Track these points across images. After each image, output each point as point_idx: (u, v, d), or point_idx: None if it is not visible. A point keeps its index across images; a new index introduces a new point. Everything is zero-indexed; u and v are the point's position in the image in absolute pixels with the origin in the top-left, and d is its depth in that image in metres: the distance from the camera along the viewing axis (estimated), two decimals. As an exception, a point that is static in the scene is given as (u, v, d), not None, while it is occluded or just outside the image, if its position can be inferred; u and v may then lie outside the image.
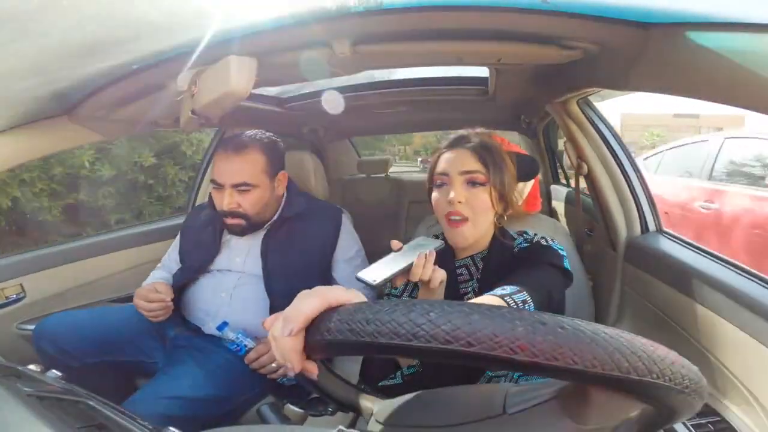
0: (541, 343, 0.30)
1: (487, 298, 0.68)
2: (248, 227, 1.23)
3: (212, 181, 1.21)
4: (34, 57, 0.71)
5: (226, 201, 1.18)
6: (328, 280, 1.30)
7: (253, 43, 0.83)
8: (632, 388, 0.32)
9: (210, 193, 1.28)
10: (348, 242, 1.32)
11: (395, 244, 0.76)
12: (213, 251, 1.28)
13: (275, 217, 1.27)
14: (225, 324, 1.14)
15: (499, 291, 0.69)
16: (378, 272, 0.70)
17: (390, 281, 0.70)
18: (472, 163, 0.86)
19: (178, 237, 1.42)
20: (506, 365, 0.31)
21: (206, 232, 1.31)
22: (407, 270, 0.72)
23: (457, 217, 0.85)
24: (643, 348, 0.32)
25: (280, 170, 1.27)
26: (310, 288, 0.44)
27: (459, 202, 0.84)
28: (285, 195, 1.31)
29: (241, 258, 1.26)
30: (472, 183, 0.85)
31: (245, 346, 1.13)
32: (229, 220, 1.21)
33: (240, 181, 1.17)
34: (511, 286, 0.70)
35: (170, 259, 1.40)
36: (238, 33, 0.79)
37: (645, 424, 0.40)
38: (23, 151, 1.05)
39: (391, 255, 0.75)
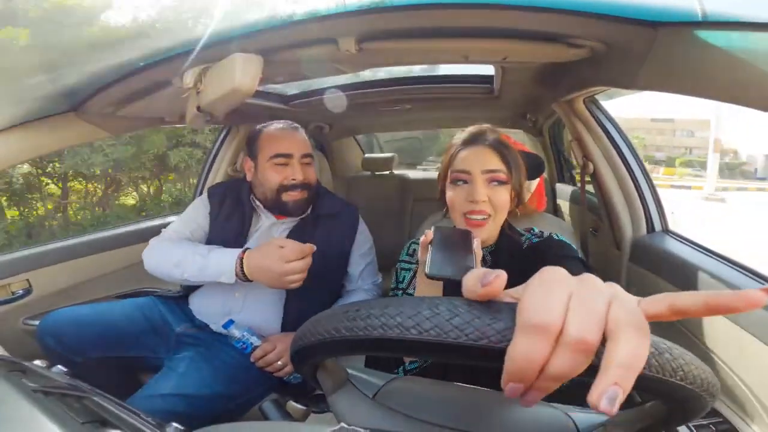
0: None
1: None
2: (307, 203, 1.25)
3: (276, 155, 1.20)
4: (42, 54, 0.72)
5: (297, 171, 1.20)
6: (342, 275, 1.32)
7: (258, 41, 0.83)
8: (666, 391, 0.32)
9: (259, 174, 1.23)
10: (364, 239, 1.35)
11: (429, 234, 0.71)
12: (241, 241, 1.24)
13: (308, 213, 1.28)
14: (231, 322, 1.14)
15: None
16: (452, 267, 0.63)
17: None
18: (495, 162, 0.85)
19: (202, 221, 1.32)
20: None
21: (233, 219, 1.28)
22: (475, 259, 0.67)
23: (481, 216, 0.84)
24: (670, 350, 0.31)
25: None
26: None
27: (483, 200, 0.83)
28: (315, 193, 1.30)
29: None
30: (495, 182, 0.84)
31: (251, 344, 1.13)
32: (296, 194, 1.21)
33: (307, 152, 1.23)
34: None
35: (190, 235, 1.30)
36: (243, 30, 0.80)
37: (656, 426, 0.40)
38: (31, 147, 1.06)
39: (436, 248, 0.68)
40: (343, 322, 0.36)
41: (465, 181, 0.86)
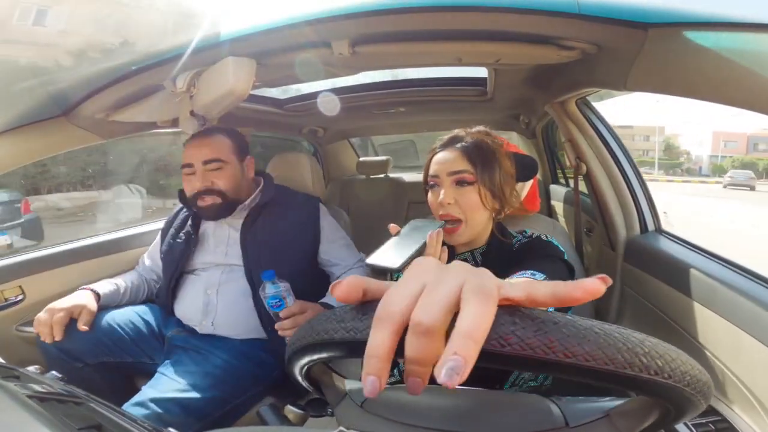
0: (571, 345, 0.29)
1: (520, 280, 0.67)
2: (224, 207, 1.24)
3: (184, 166, 1.23)
4: (32, 58, 0.72)
5: (199, 179, 1.21)
6: (313, 265, 1.33)
7: (252, 45, 0.83)
8: (653, 390, 0.32)
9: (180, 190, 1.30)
10: (330, 225, 1.37)
11: (393, 228, 0.75)
12: (192, 243, 1.29)
13: (254, 203, 1.29)
14: (272, 273, 1.05)
15: (528, 274, 0.69)
16: (392, 257, 0.64)
17: (408, 264, 0.63)
18: (460, 164, 0.86)
19: (157, 239, 1.44)
20: (542, 367, 0.30)
21: (184, 228, 1.34)
22: (422, 251, 0.70)
23: (452, 223, 0.85)
24: (656, 347, 0.31)
25: (247, 155, 1.32)
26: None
27: (449, 203, 0.85)
28: (262, 184, 1.34)
29: (222, 248, 1.28)
30: (460, 183, 0.86)
31: (285, 302, 1.04)
32: (204, 200, 1.22)
33: (211, 158, 1.21)
34: (538, 273, 0.70)
35: (149, 259, 1.43)
36: (236, 34, 0.80)
37: (651, 424, 0.40)
38: (21, 152, 1.05)
39: (394, 239, 0.72)
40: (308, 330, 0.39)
41: (437, 185, 0.89)
